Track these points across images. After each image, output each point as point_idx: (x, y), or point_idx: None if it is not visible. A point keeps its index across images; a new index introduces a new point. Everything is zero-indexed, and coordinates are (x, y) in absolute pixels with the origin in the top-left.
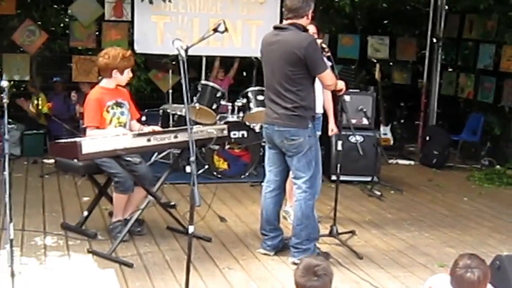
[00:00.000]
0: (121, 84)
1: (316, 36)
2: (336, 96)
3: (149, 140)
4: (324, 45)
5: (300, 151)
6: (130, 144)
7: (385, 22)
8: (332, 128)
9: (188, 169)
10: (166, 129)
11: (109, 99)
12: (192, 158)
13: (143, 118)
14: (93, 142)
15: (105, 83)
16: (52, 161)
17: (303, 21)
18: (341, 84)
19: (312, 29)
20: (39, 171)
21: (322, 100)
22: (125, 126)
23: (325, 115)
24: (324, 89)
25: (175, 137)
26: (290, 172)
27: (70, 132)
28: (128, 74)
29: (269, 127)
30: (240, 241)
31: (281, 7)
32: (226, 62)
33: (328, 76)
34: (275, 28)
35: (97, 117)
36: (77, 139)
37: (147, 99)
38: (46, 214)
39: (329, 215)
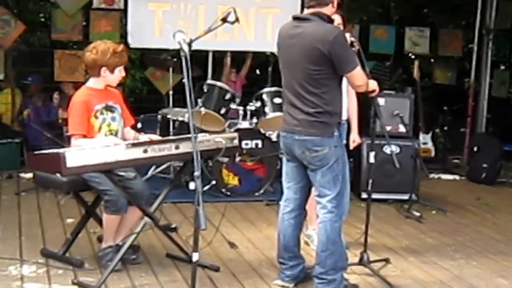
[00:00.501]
0: (111, 85)
1: (341, 27)
2: (363, 99)
3: (145, 151)
4: (352, 38)
5: (325, 164)
6: (123, 156)
7: (425, 10)
8: (354, 139)
9: (192, 185)
10: (165, 138)
11: (97, 102)
12: (197, 173)
13: (139, 125)
14: (79, 154)
15: (92, 83)
16: (30, 175)
17: (328, 10)
18: (373, 84)
19: (337, 19)
20: (14, 187)
21: (347, 103)
22: (116, 134)
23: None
24: (348, 90)
25: (177, 147)
26: (313, 189)
27: (52, 141)
28: (120, 73)
29: (287, 135)
30: (253, 270)
31: None
32: (238, 58)
33: (358, 75)
34: (295, 18)
35: (84, 124)
36: (60, 150)
37: (143, 101)
38: (23, 239)
39: (359, 240)
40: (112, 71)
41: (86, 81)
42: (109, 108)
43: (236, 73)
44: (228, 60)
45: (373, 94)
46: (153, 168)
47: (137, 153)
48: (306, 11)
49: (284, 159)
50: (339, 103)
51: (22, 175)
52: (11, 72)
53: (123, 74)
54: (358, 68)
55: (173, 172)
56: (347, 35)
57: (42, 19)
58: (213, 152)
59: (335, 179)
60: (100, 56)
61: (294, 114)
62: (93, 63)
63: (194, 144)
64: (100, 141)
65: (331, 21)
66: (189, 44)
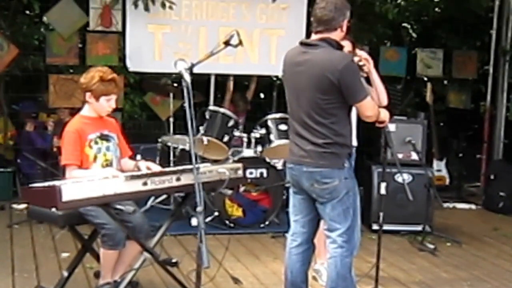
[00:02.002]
0: (100, 114)
1: (351, 54)
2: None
3: (145, 183)
4: (361, 63)
5: (335, 196)
6: (122, 188)
7: (439, 31)
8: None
9: (194, 221)
10: (166, 170)
11: (91, 131)
12: (199, 208)
13: (138, 157)
14: (76, 187)
15: (87, 110)
16: (23, 206)
17: (337, 35)
18: (384, 115)
19: (347, 46)
20: (7, 219)
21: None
22: (111, 165)
23: (358, 149)
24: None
25: (178, 179)
26: (322, 222)
27: (46, 171)
28: (106, 103)
29: (294, 167)
30: None
31: (308, 13)
32: (241, 82)
33: (368, 105)
34: (302, 44)
35: (77, 154)
36: (55, 183)
37: (142, 128)
38: (15, 275)
39: (369, 274)
40: (97, 99)
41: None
42: (104, 137)
43: (245, 103)
44: (230, 84)
45: (382, 125)
46: (152, 198)
47: (137, 186)
48: (314, 36)
49: (291, 191)
50: (349, 134)
51: (15, 206)
52: (3, 98)
53: (113, 105)
54: (369, 98)
55: (173, 203)
56: (356, 58)
57: (37, 42)
58: (216, 183)
59: (345, 212)
60: (87, 80)
61: (301, 144)
62: (80, 87)
63: (196, 176)
64: (97, 172)
65: (340, 47)
66: (191, 69)
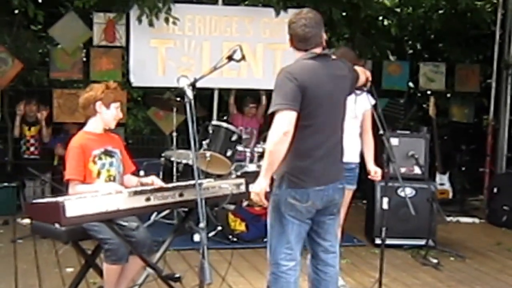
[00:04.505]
0: (109, 125)
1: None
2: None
3: (148, 199)
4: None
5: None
6: (125, 204)
7: (441, 45)
8: (375, 170)
9: (196, 237)
10: (169, 186)
11: (96, 146)
12: (202, 225)
13: (141, 173)
14: (79, 203)
15: (91, 126)
16: (27, 221)
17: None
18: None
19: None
20: (10, 234)
21: (356, 146)
22: (114, 180)
23: (361, 164)
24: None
25: (181, 195)
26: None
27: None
28: (116, 111)
29: (327, 187)
30: None
31: None
32: (255, 95)
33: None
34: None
35: (80, 169)
36: (59, 199)
37: (145, 143)
38: None
39: None
40: (107, 107)
41: (84, 125)
42: (108, 153)
43: (256, 109)
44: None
45: None
46: (155, 213)
47: (140, 202)
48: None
49: (297, 221)
50: None
51: (19, 220)
52: (7, 113)
53: (120, 115)
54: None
55: (176, 217)
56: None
57: (41, 57)
58: (219, 199)
59: None
60: (94, 92)
61: (335, 160)
62: (87, 101)
63: (198, 192)
64: (101, 187)
65: None
66: (193, 85)
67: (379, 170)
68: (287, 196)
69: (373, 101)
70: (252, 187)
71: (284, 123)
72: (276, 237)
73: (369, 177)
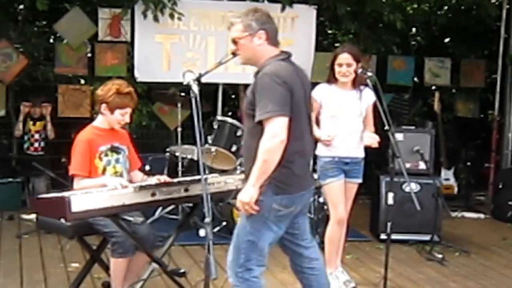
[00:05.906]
0: (112, 126)
1: None
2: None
3: (153, 194)
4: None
5: None
6: (131, 199)
7: (446, 40)
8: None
9: (202, 232)
10: (174, 181)
11: (102, 142)
12: (207, 220)
13: (147, 167)
14: (85, 198)
15: (99, 122)
16: (32, 216)
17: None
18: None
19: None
20: (15, 229)
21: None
22: (121, 177)
23: (366, 159)
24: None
25: (186, 190)
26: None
27: (55, 180)
28: (121, 117)
29: (306, 193)
30: None
31: (317, 22)
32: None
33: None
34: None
35: (86, 164)
36: (65, 194)
37: (150, 137)
38: (24, 285)
39: (378, 285)
40: (111, 111)
41: (92, 118)
42: (114, 150)
43: None
44: (242, 93)
45: None
46: (160, 208)
47: (145, 197)
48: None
49: (275, 228)
50: None
51: (24, 216)
52: (13, 110)
53: (127, 119)
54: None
55: (181, 213)
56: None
57: (46, 53)
58: (224, 194)
59: None
60: (104, 92)
61: (309, 164)
62: (95, 99)
63: (204, 187)
64: (106, 180)
65: None
66: (198, 80)
67: (376, 137)
68: (273, 202)
69: (374, 97)
70: (240, 196)
71: (280, 131)
72: (251, 242)
73: (365, 144)
